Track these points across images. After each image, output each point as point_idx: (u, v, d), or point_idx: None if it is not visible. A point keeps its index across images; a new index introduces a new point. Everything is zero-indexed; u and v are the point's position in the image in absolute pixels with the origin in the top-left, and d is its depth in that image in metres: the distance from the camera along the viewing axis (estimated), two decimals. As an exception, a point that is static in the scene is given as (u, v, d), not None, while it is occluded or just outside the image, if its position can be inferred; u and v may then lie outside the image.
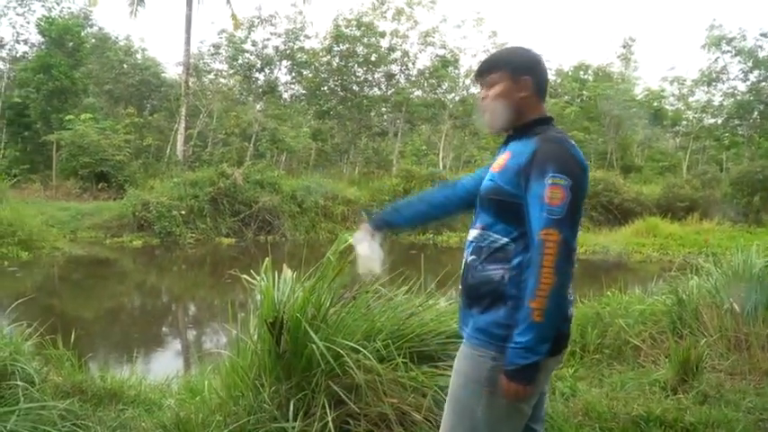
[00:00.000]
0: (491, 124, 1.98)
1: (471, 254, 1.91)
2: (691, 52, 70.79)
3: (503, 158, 1.89)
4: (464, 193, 2.17)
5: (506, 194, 1.83)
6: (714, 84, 28.19)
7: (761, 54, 25.99)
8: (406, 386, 2.82)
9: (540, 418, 2.06)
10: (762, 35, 25.73)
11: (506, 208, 1.83)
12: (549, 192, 1.70)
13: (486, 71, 1.98)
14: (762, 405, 3.53)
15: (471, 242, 1.93)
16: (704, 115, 29.92)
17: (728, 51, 26.68)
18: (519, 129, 1.93)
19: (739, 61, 26.73)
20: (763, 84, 26.48)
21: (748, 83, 26.95)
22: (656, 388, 3.81)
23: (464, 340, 1.94)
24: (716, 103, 29.01)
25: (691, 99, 30.66)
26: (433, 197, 2.29)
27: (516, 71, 1.92)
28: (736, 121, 28.62)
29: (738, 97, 27.44)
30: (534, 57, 1.96)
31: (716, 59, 27.32)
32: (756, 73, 26.51)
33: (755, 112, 27.43)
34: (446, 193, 2.25)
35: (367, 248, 2.22)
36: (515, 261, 1.81)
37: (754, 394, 3.70)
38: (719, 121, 29.73)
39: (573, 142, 1.85)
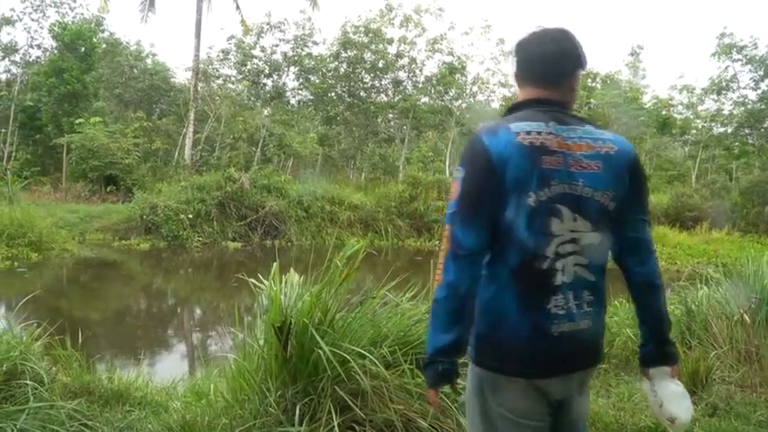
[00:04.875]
0: None
1: None
2: (700, 60, 70.47)
3: None
4: None
5: None
6: (724, 92, 28.05)
7: (772, 62, 25.87)
8: (412, 393, 2.81)
9: None
10: (773, 43, 25.60)
11: None
12: (452, 187, 1.64)
13: None
14: (772, 418, 3.50)
15: None
16: (714, 124, 29.76)
17: (739, 60, 26.55)
18: None
19: (750, 70, 26.60)
20: (774, 92, 26.35)
21: (759, 91, 26.81)
22: (664, 399, 3.77)
23: None
24: (726, 112, 28.89)
25: (700, 108, 30.54)
26: None
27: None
28: (747, 130, 28.46)
29: (749, 106, 27.28)
30: (516, 43, 1.80)
31: (726, 68, 27.23)
32: (767, 81, 26.37)
33: (766, 121, 27.26)
34: None
35: (651, 399, 1.82)
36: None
37: (764, 407, 3.66)
38: (729, 130, 29.58)
39: (500, 128, 1.62)
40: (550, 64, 1.74)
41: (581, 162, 1.62)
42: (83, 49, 22.51)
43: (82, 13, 26.40)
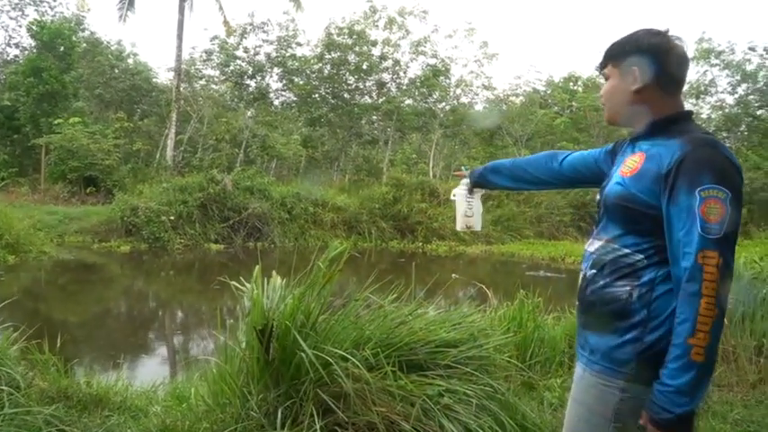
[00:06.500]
0: (608, 120, 1.80)
1: (591, 267, 1.70)
2: (679, 65, 71.30)
3: (635, 161, 1.64)
4: (569, 172, 2.06)
5: (641, 203, 1.58)
6: (702, 96, 28.47)
7: (749, 67, 26.33)
8: (394, 395, 2.81)
9: None
10: (750, 49, 26.06)
11: (639, 218, 1.59)
12: (704, 206, 1.44)
13: (602, 65, 1.75)
14: (749, 417, 3.55)
15: (592, 254, 1.72)
16: (692, 128, 30.15)
17: (717, 64, 26.98)
18: (651, 126, 1.66)
19: (727, 74, 27.06)
20: (751, 97, 26.80)
21: (736, 96, 27.29)
22: (643, 398, 3.81)
23: (583, 365, 1.71)
24: (704, 116, 29.29)
25: (679, 112, 30.89)
26: (536, 167, 2.17)
27: (624, 62, 1.67)
28: (724, 134, 28.86)
29: (726, 110, 27.73)
30: (653, 43, 1.65)
31: (704, 72, 27.64)
32: (744, 86, 26.82)
33: (743, 125, 27.73)
34: (550, 166, 2.12)
35: (465, 206, 2.28)
36: (645, 277, 1.58)
37: (741, 406, 3.72)
38: (707, 134, 30.01)
39: (721, 143, 1.59)
40: (687, 71, 1.71)
41: None
42: (62, 48, 22.20)
43: (62, 12, 26.13)
